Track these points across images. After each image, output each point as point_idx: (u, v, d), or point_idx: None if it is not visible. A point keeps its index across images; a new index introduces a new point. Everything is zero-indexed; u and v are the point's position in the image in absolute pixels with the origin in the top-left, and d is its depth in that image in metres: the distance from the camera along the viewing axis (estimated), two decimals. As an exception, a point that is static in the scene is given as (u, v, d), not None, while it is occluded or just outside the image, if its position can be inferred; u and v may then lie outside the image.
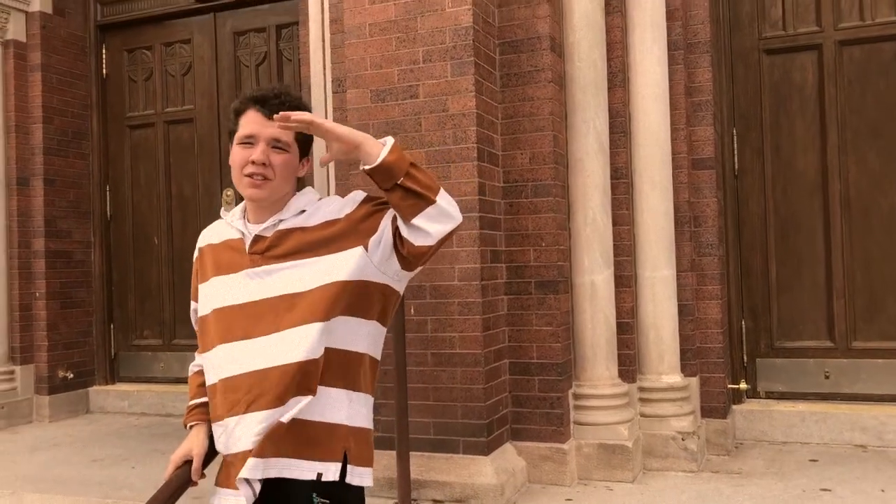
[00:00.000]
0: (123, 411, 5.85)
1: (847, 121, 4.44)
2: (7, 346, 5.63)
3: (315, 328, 1.66)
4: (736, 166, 4.61)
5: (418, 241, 1.66)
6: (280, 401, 1.65)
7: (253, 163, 1.71)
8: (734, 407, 4.42)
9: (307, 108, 1.76)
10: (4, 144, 5.67)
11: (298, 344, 1.66)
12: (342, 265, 1.70)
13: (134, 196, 6.11)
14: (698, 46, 4.25)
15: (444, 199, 1.67)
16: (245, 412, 1.67)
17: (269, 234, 1.77)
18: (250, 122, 1.74)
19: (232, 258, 1.78)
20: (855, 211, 4.42)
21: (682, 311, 4.13)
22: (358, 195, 1.79)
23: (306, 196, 1.82)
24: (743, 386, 4.45)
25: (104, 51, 6.15)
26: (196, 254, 1.91)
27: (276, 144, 1.73)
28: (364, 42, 3.66)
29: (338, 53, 4.23)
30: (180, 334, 5.96)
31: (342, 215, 1.75)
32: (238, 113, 1.78)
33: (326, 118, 4.28)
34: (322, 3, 4.42)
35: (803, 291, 4.51)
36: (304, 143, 1.79)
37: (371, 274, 1.72)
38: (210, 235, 1.89)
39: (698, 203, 4.25)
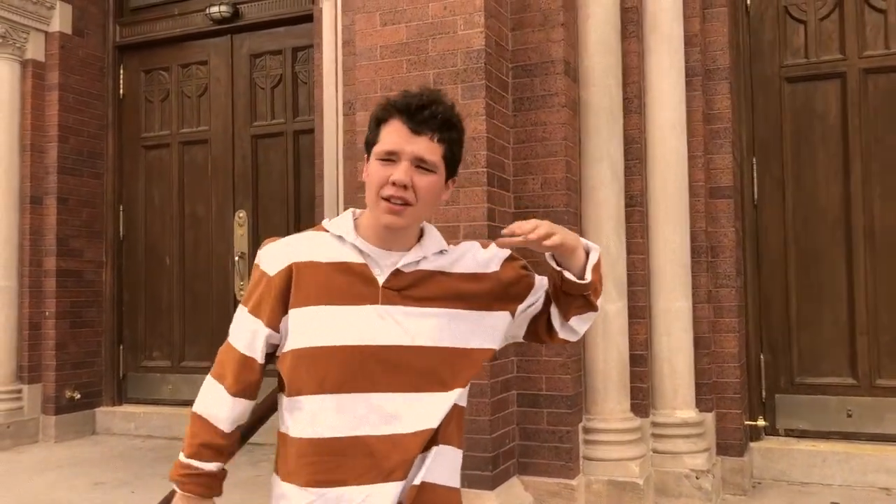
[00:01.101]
0: (129, 433, 5.79)
1: (872, 151, 4.31)
2: (15, 365, 5.59)
3: (456, 393, 1.54)
4: (755, 196, 4.49)
5: (563, 335, 1.65)
6: (412, 467, 1.49)
7: (393, 184, 1.47)
8: (752, 444, 4.26)
9: (460, 123, 1.57)
10: (20, 163, 5.68)
11: (439, 407, 1.51)
12: (492, 330, 1.58)
13: (147, 216, 6.10)
14: (717, 73, 4.16)
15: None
16: (384, 482, 1.46)
17: (409, 269, 1.54)
18: (393, 135, 1.49)
19: (353, 286, 1.51)
20: (879, 245, 4.28)
21: (698, 343, 4.00)
22: (501, 252, 1.60)
23: (435, 232, 1.62)
24: (761, 423, 4.30)
25: (122, 71, 6.17)
26: (276, 266, 1.54)
27: (421, 164, 1.49)
28: (375, 64, 3.60)
29: (349, 76, 4.19)
30: (189, 356, 5.90)
31: (489, 270, 1.58)
32: (379, 122, 1.53)
33: (338, 141, 4.24)
34: (335, 26, 4.39)
35: (825, 326, 4.37)
36: (451, 161, 1.55)
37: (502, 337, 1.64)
38: (309, 249, 1.55)
39: (716, 233, 4.13)
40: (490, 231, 3.41)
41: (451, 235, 3.29)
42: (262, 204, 5.74)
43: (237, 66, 5.85)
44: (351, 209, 1.65)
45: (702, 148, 4.07)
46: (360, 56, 3.64)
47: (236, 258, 5.68)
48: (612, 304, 3.73)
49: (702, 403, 3.98)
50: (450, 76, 3.46)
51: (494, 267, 1.59)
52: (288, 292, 1.53)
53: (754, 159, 4.51)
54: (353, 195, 4.01)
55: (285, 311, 1.53)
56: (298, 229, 5.57)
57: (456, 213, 3.37)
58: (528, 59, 3.69)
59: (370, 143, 1.56)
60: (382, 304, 1.51)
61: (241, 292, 5.64)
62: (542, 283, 1.63)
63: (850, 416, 4.26)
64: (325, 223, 1.62)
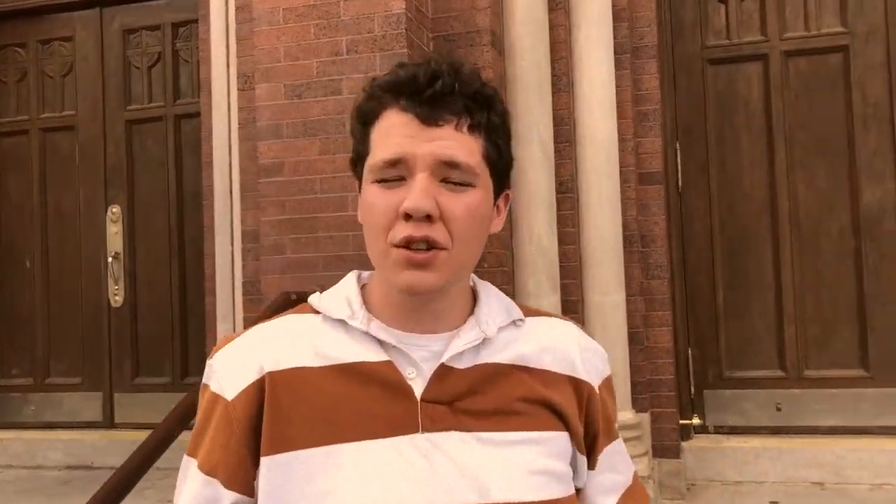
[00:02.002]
0: (-16, 463, 5.02)
1: (795, 136, 4.19)
2: None
3: None
4: (680, 182, 4.29)
5: None
6: None
7: (407, 216, 0.91)
8: (683, 444, 4.05)
9: (501, 100, 1.04)
10: None
11: None
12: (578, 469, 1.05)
13: (2, 213, 5.33)
14: (645, 51, 3.92)
15: None
16: None
17: (463, 363, 0.98)
18: (394, 133, 0.94)
19: (372, 404, 0.95)
20: (805, 232, 4.16)
21: (632, 339, 3.74)
22: (603, 353, 1.10)
23: (493, 290, 1.07)
24: (696, 421, 4.10)
25: (-33, 47, 5.38)
26: (237, 383, 0.97)
27: (449, 174, 0.94)
28: (277, 29, 3.14)
29: (245, 46, 3.68)
30: (55, 372, 5.18)
31: (581, 373, 1.04)
32: (365, 120, 0.99)
33: (230, 121, 3.72)
34: (227, -10, 3.88)
35: (753, 317, 4.21)
36: (498, 164, 1.00)
37: None
38: (290, 347, 0.99)
39: (646, 221, 3.89)
40: (416, 219, 3.02)
41: (346, 247, 2.88)
42: (140, 197, 5.10)
43: (108, 43, 5.19)
44: (354, 272, 1.07)
45: (631, 131, 3.82)
46: (260, 20, 3.17)
47: (110, 259, 5.03)
48: (546, 298, 3.40)
49: (637, 403, 3.72)
50: (366, 43, 3.04)
51: (592, 371, 1.06)
52: (259, 427, 0.95)
53: (678, 144, 4.30)
54: (252, 184, 3.51)
55: (257, 462, 0.95)
56: (182, 226, 5.06)
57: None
58: (450, 28, 3.32)
59: (358, 160, 1.01)
60: (426, 431, 0.94)
61: (116, 297, 5.00)
62: (609, 462, 1.09)
63: (779, 409, 4.12)
64: (313, 300, 1.03)
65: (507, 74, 3.47)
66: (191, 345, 4.87)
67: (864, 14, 4.12)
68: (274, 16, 3.14)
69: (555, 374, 1.03)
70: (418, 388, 0.95)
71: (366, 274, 1.06)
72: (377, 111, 0.98)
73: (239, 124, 3.59)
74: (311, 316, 1.02)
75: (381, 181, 0.95)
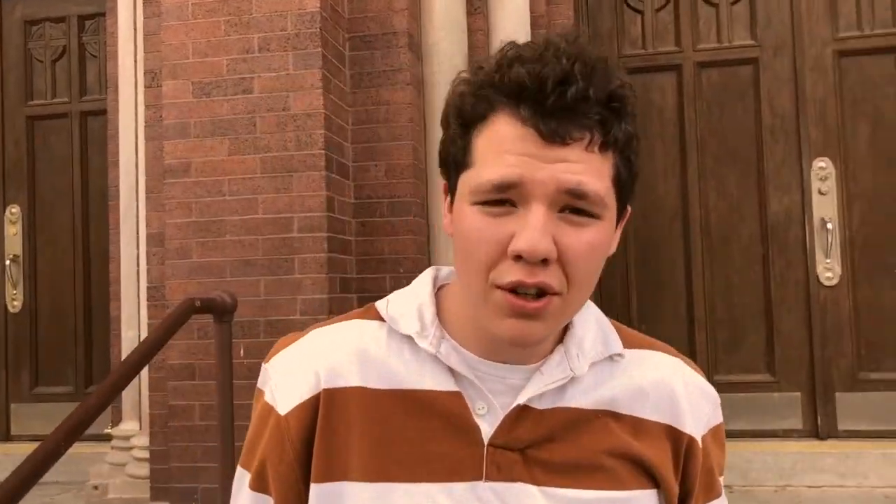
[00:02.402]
0: None
1: (706, 145, 4.29)
2: None
3: None
4: (596, 190, 4.32)
5: None
6: None
7: (519, 258, 0.76)
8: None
9: (634, 100, 0.82)
10: None
11: None
12: None
13: None
14: (562, 58, 3.93)
15: None
16: None
17: (543, 403, 0.85)
18: (509, 148, 0.77)
19: (433, 442, 0.84)
20: (715, 239, 4.26)
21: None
22: (714, 397, 0.95)
23: (592, 311, 0.92)
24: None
25: None
26: (292, 396, 0.88)
27: (571, 206, 0.78)
28: (186, 25, 3.03)
29: (152, 41, 3.54)
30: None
31: (684, 423, 0.90)
32: (471, 117, 0.81)
33: (137, 119, 3.58)
34: (134, -17, 3.73)
35: (665, 321, 4.28)
36: (625, 187, 0.84)
37: None
38: (352, 359, 0.88)
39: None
40: (329, 224, 2.94)
41: (283, 229, 2.79)
42: (42, 197, 4.86)
43: (7, 35, 4.95)
44: (431, 270, 0.94)
45: (549, 136, 3.83)
46: (168, 15, 3.05)
47: (7, 262, 4.77)
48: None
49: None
50: (278, 41, 2.95)
51: (695, 426, 0.90)
52: (312, 448, 0.86)
53: (595, 151, 4.34)
54: (158, 185, 3.38)
55: (308, 485, 0.86)
56: (87, 228, 4.85)
57: (289, 201, 2.87)
58: (367, 29, 3.26)
59: (452, 165, 0.84)
60: (490, 479, 0.82)
61: (14, 302, 4.74)
62: None
63: (690, 413, 4.20)
64: (380, 305, 0.91)
65: (425, 78, 3.44)
66: (95, 352, 4.66)
67: (773, 28, 4.24)
68: (183, 11, 3.02)
69: (650, 422, 0.88)
70: (488, 427, 0.83)
71: (445, 272, 0.92)
72: (485, 114, 0.79)
73: (145, 123, 3.45)
74: (377, 324, 0.89)
75: (484, 203, 0.78)
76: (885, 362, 4.05)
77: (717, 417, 0.94)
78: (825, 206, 4.11)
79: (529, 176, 0.76)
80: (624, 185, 0.82)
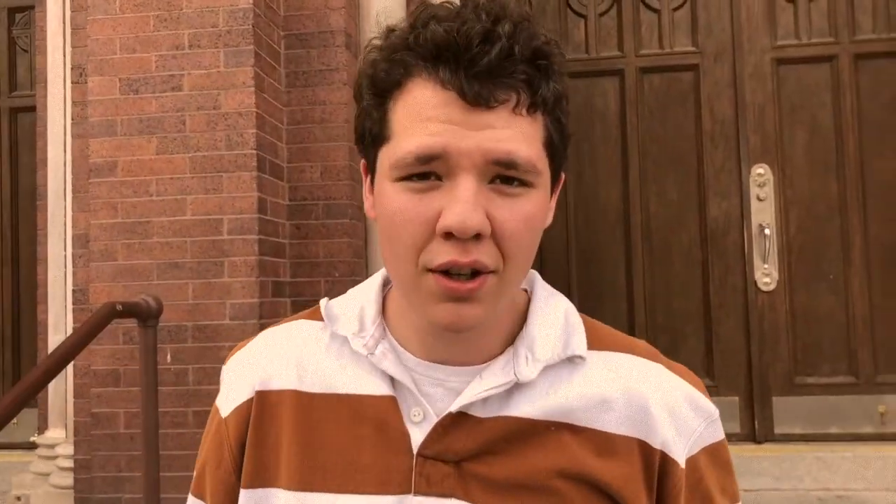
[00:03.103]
0: None
1: (648, 151, 4.31)
2: None
3: None
4: (539, 193, 4.31)
5: None
6: None
7: (448, 235, 0.70)
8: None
9: (561, 53, 0.79)
10: None
11: None
12: None
13: None
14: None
15: None
16: None
17: (486, 410, 0.78)
18: (429, 115, 0.71)
19: (362, 448, 0.78)
20: (655, 243, 4.28)
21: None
22: (708, 409, 0.85)
23: (553, 300, 0.86)
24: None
25: None
26: (232, 398, 0.84)
27: (502, 175, 0.72)
28: (113, 19, 2.93)
29: (80, 35, 3.42)
30: None
31: (659, 437, 0.80)
32: (385, 85, 0.74)
33: (65, 116, 3.46)
34: (62, -25, 3.60)
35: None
36: (558, 150, 0.78)
37: None
38: (285, 360, 0.83)
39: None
40: (261, 226, 2.87)
41: (213, 231, 2.71)
42: (-32, 196, 4.69)
43: (-68, 26, 4.75)
44: (382, 272, 0.87)
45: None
46: (95, 8, 2.95)
47: (-69, 263, 4.58)
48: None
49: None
50: (209, 38, 2.87)
51: (675, 443, 0.80)
52: (238, 456, 0.82)
53: (538, 155, 4.33)
54: (84, 184, 3.26)
55: (237, 491, 0.81)
56: (17, 228, 4.69)
57: (219, 203, 2.79)
58: (303, 27, 3.19)
59: (369, 140, 0.77)
60: (419, 493, 0.75)
61: (-61, 305, 4.55)
62: None
63: (631, 417, 4.21)
64: (324, 305, 0.85)
65: (363, 78, 3.38)
66: (24, 357, 4.51)
67: (713, 35, 4.28)
68: (110, 5, 2.92)
69: (616, 436, 0.78)
70: (419, 436, 0.76)
71: None
72: (401, 80, 0.72)
73: (72, 120, 3.32)
74: (321, 325, 0.84)
75: (407, 179, 0.72)
76: (820, 367, 4.11)
77: (714, 435, 0.84)
78: (763, 212, 4.16)
79: (454, 146, 0.70)
80: (556, 149, 0.77)
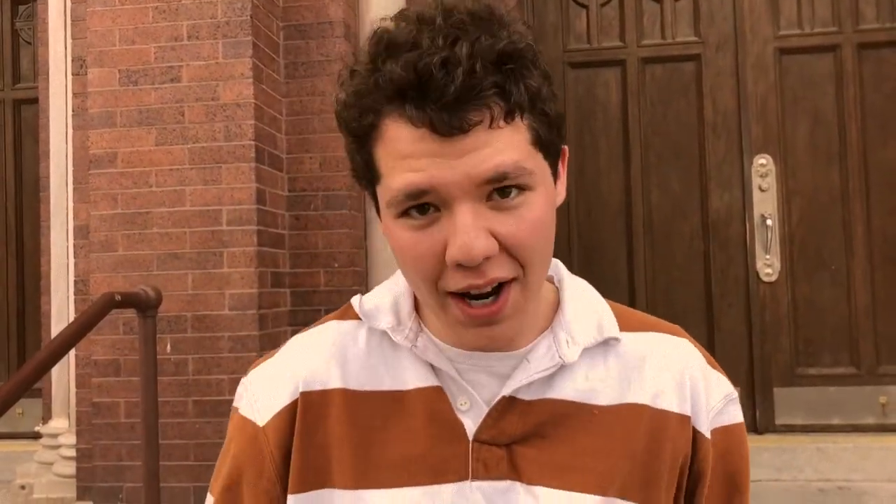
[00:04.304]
0: None
1: (650, 142, 4.29)
2: None
3: None
4: (541, 184, 4.31)
5: None
6: None
7: (460, 266, 0.71)
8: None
9: (533, 52, 0.74)
10: None
11: None
12: None
13: None
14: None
15: None
16: None
17: (531, 393, 0.79)
18: (407, 152, 0.71)
19: (414, 441, 0.79)
20: (657, 235, 4.27)
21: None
22: (728, 391, 0.89)
23: (581, 290, 0.90)
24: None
25: None
26: (269, 406, 0.83)
27: (500, 186, 0.72)
28: (112, 11, 2.94)
29: (81, 27, 3.43)
30: None
31: (688, 413, 0.83)
32: (361, 132, 0.74)
33: (67, 107, 3.47)
34: (63, -33, 3.61)
35: (608, 318, 4.29)
36: (551, 133, 0.77)
37: None
38: (329, 362, 0.83)
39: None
40: (260, 217, 2.88)
41: (212, 222, 2.72)
42: (-28, 188, 4.72)
43: (-64, 18, 4.77)
44: None
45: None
46: (94, 0, 2.95)
47: (-63, 254, 4.62)
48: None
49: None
50: (208, 29, 2.88)
51: (701, 418, 0.84)
52: (289, 458, 0.80)
53: (539, 146, 4.33)
54: (83, 174, 3.28)
55: (281, 500, 0.81)
56: (21, 219, 4.73)
57: (217, 194, 2.80)
58: (302, 17, 3.19)
59: (366, 181, 0.78)
60: (477, 479, 0.76)
61: (-56, 296, 4.59)
62: None
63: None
64: (356, 302, 0.86)
65: (363, 69, 3.39)
66: (29, 348, 4.54)
67: (716, 24, 4.27)
68: (109, -4, 2.93)
69: (654, 411, 0.81)
70: (471, 423, 0.77)
71: None
72: (374, 123, 0.72)
73: (73, 111, 3.34)
74: (355, 324, 0.84)
75: (406, 215, 0.72)
76: (821, 358, 4.10)
77: (733, 415, 0.87)
78: (765, 203, 4.15)
79: (440, 178, 0.69)
80: (546, 140, 0.75)
